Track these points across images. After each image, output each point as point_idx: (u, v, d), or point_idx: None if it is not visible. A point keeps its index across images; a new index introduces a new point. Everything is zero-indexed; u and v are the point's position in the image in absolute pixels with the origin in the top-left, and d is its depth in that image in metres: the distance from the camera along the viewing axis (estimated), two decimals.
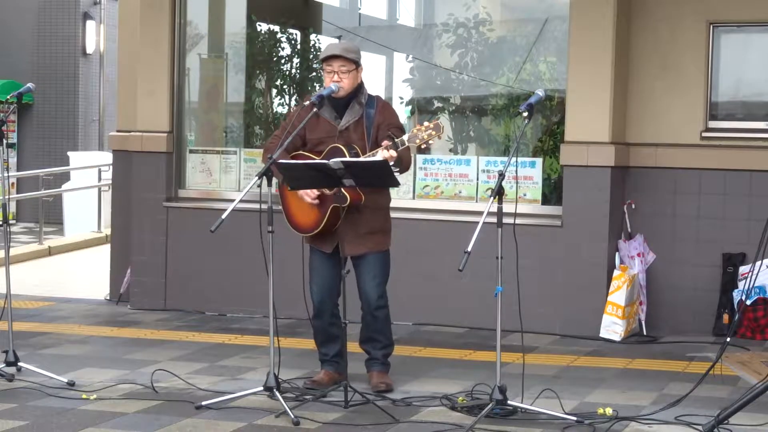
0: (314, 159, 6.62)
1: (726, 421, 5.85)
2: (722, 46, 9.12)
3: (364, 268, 6.79)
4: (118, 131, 10.70)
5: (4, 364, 7.01)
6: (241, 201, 6.51)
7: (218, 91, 10.78)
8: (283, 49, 11.14)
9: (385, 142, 6.49)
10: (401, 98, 10.65)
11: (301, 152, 6.75)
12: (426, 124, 6.55)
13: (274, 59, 11.12)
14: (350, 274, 6.68)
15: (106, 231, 14.59)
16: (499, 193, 6.09)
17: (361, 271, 6.80)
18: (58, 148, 20.84)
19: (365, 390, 6.62)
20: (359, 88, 6.81)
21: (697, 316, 9.00)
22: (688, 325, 9.00)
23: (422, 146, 6.60)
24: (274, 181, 6.43)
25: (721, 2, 9.01)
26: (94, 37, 21.50)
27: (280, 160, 6.38)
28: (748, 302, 8.60)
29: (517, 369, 6.85)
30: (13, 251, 14.09)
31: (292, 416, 6.07)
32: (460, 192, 9.40)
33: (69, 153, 19.61)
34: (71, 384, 6.87)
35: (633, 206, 9.11)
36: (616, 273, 8.78)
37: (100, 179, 17.73)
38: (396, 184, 6.48)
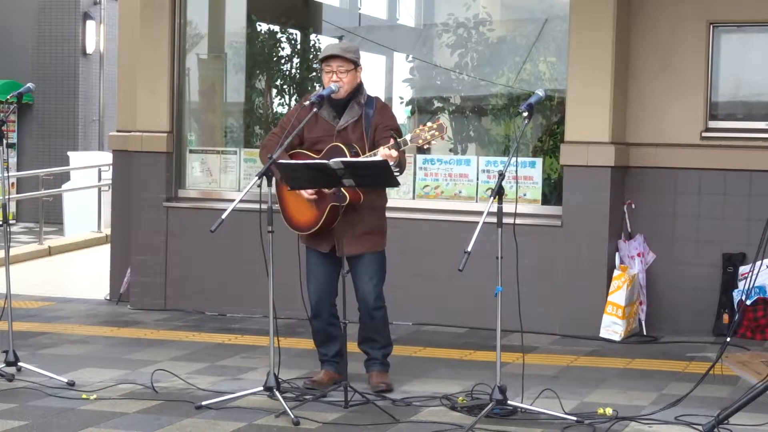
0: (313, 157, 6.63)
1: (726, 421, 5.86)
2: (722, 46, 9.12)
3: (361, 268, 6.78)
4: (118, 131, 10.70)
5: (4, 364, 7.01)
6: (241, 201, 6.51)
7: (218, 91, 10.78)
8: (283, 49, 11.14)
9: (390, 142, 6.49)
10: (401, 98, 10.65)
11: (299, 150, 6.76)
12: (429, 124, 6.53)
13: (274, 59, 11.12)
14: (348, 274, 6.68)
15: (106, 231, 14.59)
16: (499, 193, 6.09)
17: (358, 272, 6.79)
18: (58, 148, 20.85)
19: (365, 390, 6.63)
20: (358, 88, 6.80)
21: (697, 316, 8.99)
22: (688, 325, 9.00)
23: (425, 146, 6.59)
24: (274, 180, 6.43)
25: (721, 2, 9.00)
26: (94, 37, 21.51)
27: (280, 160, 6.39)
28: (748, 302, 8.60)
29: (517, 369, 6.85)
30: (13, 251, 14.09)
31: (292, 416, 6.07)
32: (460, 192, 9.40)
33: (69, 153, 19.62)
34: (71, 384, 6.87)
35: (633, 206, 9.11)
36: (616, 273, 8.78)
37: (100, 179, 17.73)
38: (396, 184, 6.48)
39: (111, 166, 11.57)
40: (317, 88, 7.43)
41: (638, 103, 9.16)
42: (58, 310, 10.03)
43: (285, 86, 11.08)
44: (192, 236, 9.76)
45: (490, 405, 6.10)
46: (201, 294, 9.84)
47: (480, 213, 6.11)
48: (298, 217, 6.76)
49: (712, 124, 9.10)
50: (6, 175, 7.39)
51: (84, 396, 6.64)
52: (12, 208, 19.08)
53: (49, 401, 6.52)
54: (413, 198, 9.52)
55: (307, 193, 6.62)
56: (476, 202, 9.32)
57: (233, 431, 5.96)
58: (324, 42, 11.09)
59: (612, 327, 8.70)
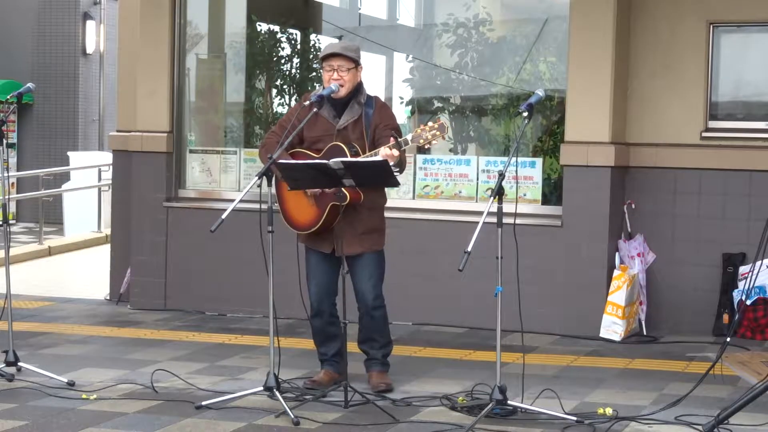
0: (313, 156, 6.63)
1: (726, 421, 5.86)
2: (722, 46, 9.12)
3: (360, 268, 6.79)
4: (118, 131, 10.71)
5: (4, 364, 7.01)
6: (241, 201, 6.51)
7: (218, 91, 10.78)
8: (283, 49, 11.14)
9: (391, 142, 6.48)
10: (401, 98, 10.65)
11: (299, 149, 6.75)
12: (430, 124, 6.53)
13: (274, 59, 11.12)
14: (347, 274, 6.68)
15: (106, 231, 14.59)
16: (499, 193, 6.09)
17: (357, 272, 6.79)
18: (58, 148, 20.84)
19: (365, 390, 6.63)
20: (358, 87, 6.80)
21: (697, 316, 8.99)
22: (688, 325, 9.00)
23: (426, 146, 6.59)
24: (274, 180, 6.43)
25: (721, 2, 9.00)
26: (94, 37, 21.51)
27: (280, 160, 6.38)
28: (748, 302, 8.59)
29: (517, 369, 6.85)
30: (13, 251, 14.09)
31: (292, 416, 6.07)
32: (460, 192, 9.40)
33: (69, 153, 19.61)
34: (71, 384, 6.87)
35: (633, 206, 9.11)
36: (616, 273, 8.78)
37: (100, 179, 17.74)
38: (396, 184, 6.48)
39: (111, 166, 11.57)
40: (317, 87, 7.42)
41: (638, 103, 9.15)
42: (58, 310, 10.02)
43: (285, 86, 11.07)
44: (192, 236, 9.76)
45: (490, 405, 6.10)
46: (201, 294, 9.84)
47: (480, 213, 6.11)
48: (298, 217, 6.76)
49: (712, 124, 9.10)
50: (6, 175, 7.39)
51: (84, 396, 6.64)
52: (12, 208, 19.07)
53: (49, 401, 6.52)
54: (413, 198, 9.52)
55: (309, 190, 6.62)
56: (476, 202, 9.32)
57: (233, 431, 5.96)
58: (324, 42, 11.09)
59: (612, 327, 8.70)
